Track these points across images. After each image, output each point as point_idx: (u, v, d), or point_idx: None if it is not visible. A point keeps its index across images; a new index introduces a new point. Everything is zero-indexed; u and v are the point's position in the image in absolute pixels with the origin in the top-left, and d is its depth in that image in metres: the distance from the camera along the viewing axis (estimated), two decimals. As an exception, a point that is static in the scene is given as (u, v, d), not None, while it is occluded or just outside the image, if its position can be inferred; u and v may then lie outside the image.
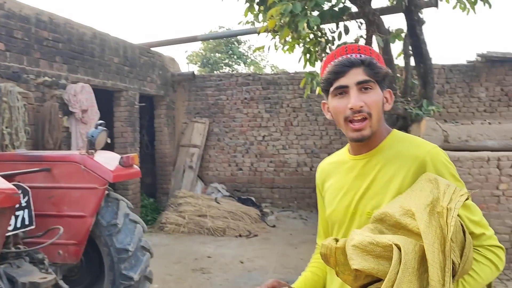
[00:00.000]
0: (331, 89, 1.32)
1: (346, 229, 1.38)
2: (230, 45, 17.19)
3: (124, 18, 40.00)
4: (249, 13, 6.03)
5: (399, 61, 7.40)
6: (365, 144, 1.35)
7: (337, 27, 5.89)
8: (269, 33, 5.97)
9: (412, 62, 6.95)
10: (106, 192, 3.49)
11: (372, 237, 1.14)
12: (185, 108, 9.45)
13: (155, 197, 9.05)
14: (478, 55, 8.03)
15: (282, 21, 5.40)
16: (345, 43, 5.71)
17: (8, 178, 2.89)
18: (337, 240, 1.22)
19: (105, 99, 7.38)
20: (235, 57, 17.48)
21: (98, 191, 3.33)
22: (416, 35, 6.45)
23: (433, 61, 6.87)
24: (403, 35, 6.14)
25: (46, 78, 5.68)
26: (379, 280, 1.15)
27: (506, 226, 5.03)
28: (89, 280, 3.71)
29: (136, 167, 3.68)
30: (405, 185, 1.27)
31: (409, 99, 6.83)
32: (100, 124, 3.52)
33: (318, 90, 6.05)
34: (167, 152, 9.01)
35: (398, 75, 7.34)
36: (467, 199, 1.17)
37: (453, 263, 1.12)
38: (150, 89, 8.32)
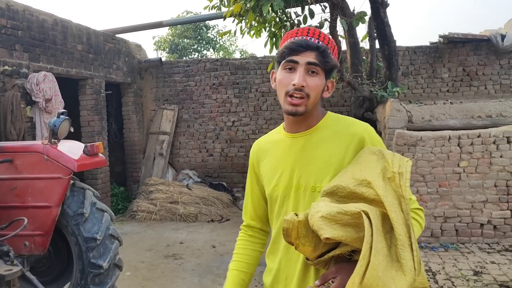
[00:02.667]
0: (283, 61, 1.41)
1: (293, 203, 1.45)
2: (198, 30, 16.96)
3: (86, 4, 38.84)
4: (214, -3, 5.98)
5: (365, 44, 7.51)
6: (302, 123, 1.46)
7: (302, 11, 5.92)
8: (235, 18, 5.94)
9: (377, 44, 7.07)
10: (72, 181, 3.45)
11: (339, 207, 1.23)
12: (153, 95, 9.34)
13: (125, 185, 8.97)
14: (441, 36, 8.21)
15: (247, 6, 5.39)
16: (310, 26, 5.74)
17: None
18: (297, 215, 1.30)
19: (70, 88, 7.23)
20: (203, 42, 17.27)
21: (63, 180, 3.29)
22: (380, 17, 6.55)
23: (397, 43, 7.00)
24: (367, 18, 6.22)
25: (6, 67, 5.52)
26: (333, 248, 1.28)
27: (466, 201, 5.24)
28: (57, 270, 3.68)
29: (102, 156, 3.64)
30: (347, 160, 1.40)
31: (374, 81, 6.96)
32: (63, 113, 3.45)
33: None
34: (136, 140, 8.92)
35: (364, 57, 7.45)
36: None
37: None
38: (116, 77, 8.18)
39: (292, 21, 6.01)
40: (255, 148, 1.62)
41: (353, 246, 1.24)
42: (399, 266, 1.17)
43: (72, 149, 3.45)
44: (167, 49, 16.91)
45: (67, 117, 3.43)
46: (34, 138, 5.77)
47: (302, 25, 5.89)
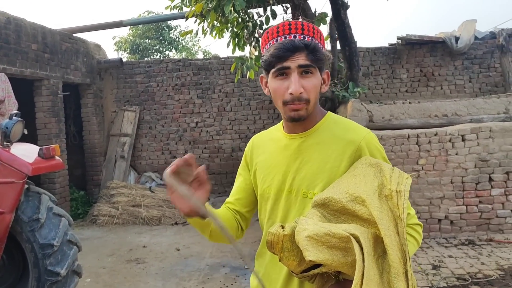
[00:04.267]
0: (273, 70, 1.32)
1: (284, 207, 1.40)
2: (160, 30, 16.72)
3: (42, 2, 37.60)
4: (175, -4, 5.90)
5: (326, 45, 7.61)
6: (300, 124, 1.37)
7: (265, 11, 5.92)
8: (197, 18, 5.88)
9: (338, 45, 7.17)
10: (26, 186, 3.31)
11: (327, 228, 1.15)
12: (114, 96, 9.12)
13: (85, 189, 8.71)
14: (399, 38, 8.44)
15: (209, 6, 5.34)
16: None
17: None
18: (283, 227, 1.25)
19: (25, 89, 6.95)
20: (165, 43, 17.05)
21: (16, 185, 3.15)
22: (341, 19, 6.65)
23: (358, 44, 7.13)
24: (328, 19, 6.29)
25: (-46, 67, 5.24)
26: (319, 265, 1.19)
27: (425, 198, 5.40)
28: (12, 279, 3.51)
29: (58, 158, 3.51)
30: (342, 168, 1.31)
31: (336, 81, 7.06)
32: (16, 115, 3.31)
33: (249, 74, 6.07)
34: (97, 143, 8.68)
35: (326, 58, 7.54)
36: None
37: None
38: (74, 77, 7.94)
39: (254, 22, 6.00)
40: (251, 143, 1.56)
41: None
42: None
43: (26, 152, 3.31)
44: (128, 49, 16.59)
45: (20, 118, 3.29)
46: (-14, 142, 5.51)
47: (264, 26, 5.89)
